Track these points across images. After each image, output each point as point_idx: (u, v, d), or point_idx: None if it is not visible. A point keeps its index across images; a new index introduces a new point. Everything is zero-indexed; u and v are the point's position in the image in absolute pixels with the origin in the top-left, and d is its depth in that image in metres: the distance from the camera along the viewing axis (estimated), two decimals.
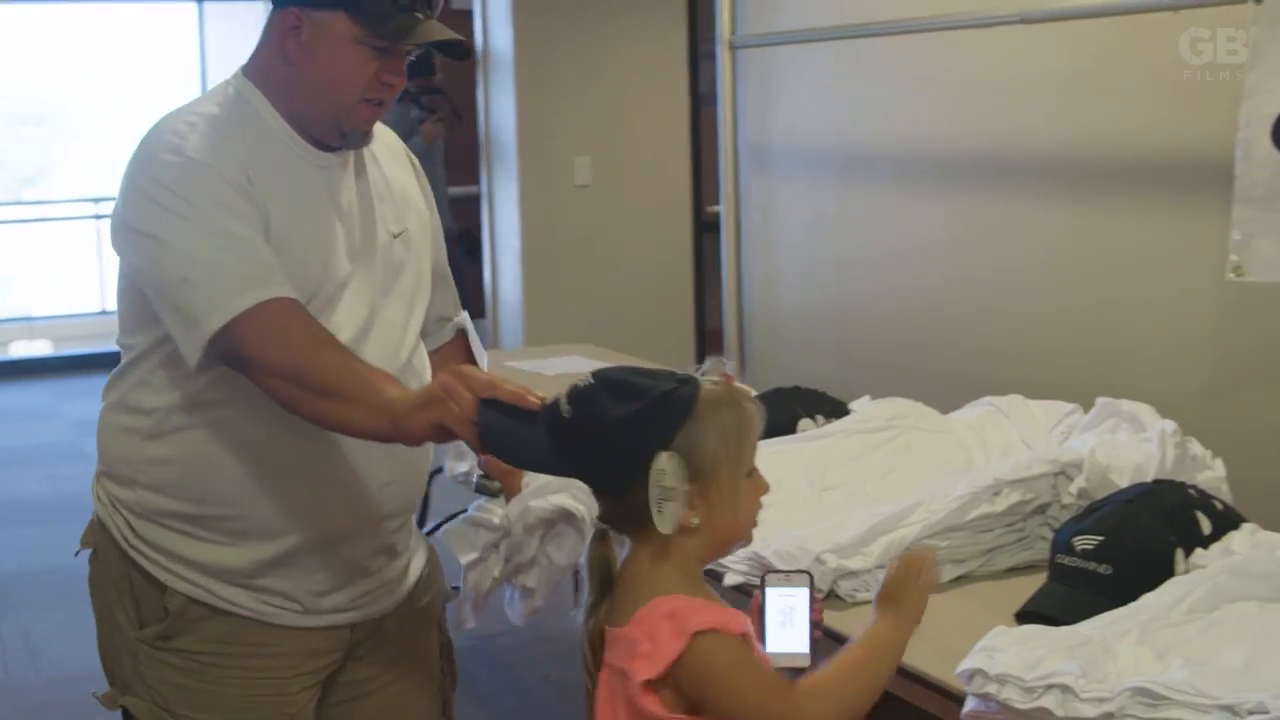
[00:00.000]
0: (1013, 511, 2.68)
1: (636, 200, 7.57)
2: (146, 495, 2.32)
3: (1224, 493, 2.69)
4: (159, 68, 11.10)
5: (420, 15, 2.25)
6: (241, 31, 10.25)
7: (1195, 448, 2.77)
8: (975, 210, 3.83)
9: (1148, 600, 2.32)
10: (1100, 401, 2.97)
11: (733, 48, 4.47)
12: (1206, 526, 2.47)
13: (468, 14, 7.62)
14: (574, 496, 2.51)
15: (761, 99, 4.60)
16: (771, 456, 2.40)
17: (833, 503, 2.91)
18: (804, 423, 3.41)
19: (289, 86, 2.28)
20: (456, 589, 2.64)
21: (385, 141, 2.47)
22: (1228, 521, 2.50)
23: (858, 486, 2.96)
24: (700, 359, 7.69)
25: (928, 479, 2.93)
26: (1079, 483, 2.68)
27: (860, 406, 3.42)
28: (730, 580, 2.59)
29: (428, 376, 2.45)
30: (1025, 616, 2.42)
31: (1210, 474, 2.73)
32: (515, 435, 1.96)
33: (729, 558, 2.53)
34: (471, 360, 2.57)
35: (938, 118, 3.94)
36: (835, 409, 3.48)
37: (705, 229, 7.68)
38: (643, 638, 1.81)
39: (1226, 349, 3.14)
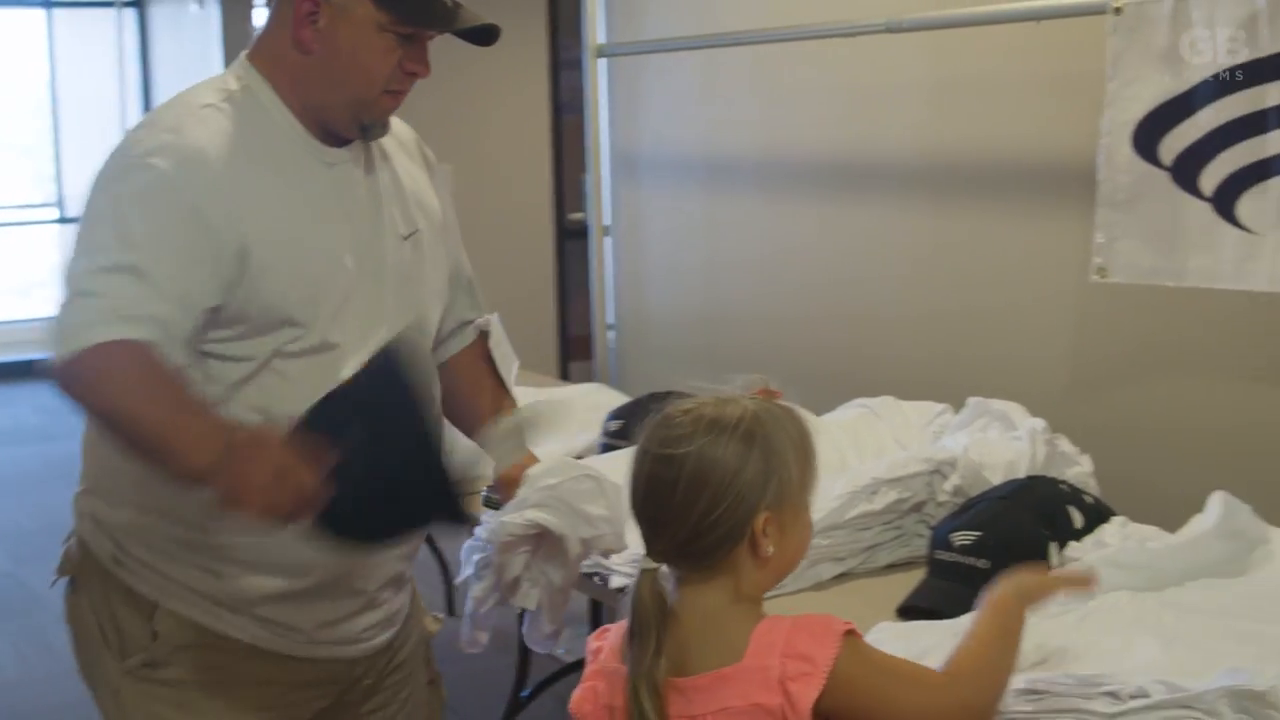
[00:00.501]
0: (891, 510, 2.73)
1: (498, 208, 7.56)
2: (141, 518, 2.14)
3: (1093, 487, 2.77)
4: (6, 75, 10.85)
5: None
6: (91, 38, 10.08)
7: (1064, 444, 2.85)
8: (842, 216, 3.89)
9: None
10: (971, 401, 3.04)
11: (599, 56, 4.50)
12: (1078, 520, 2.55)
13: None
14: (552, 511, 2.27)
15: (628, 107, 4.63)
16: None
17: None
18: None
19: (304, 77, 2.10)
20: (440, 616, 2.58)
21: (397, 134, 2.31)
22: (1098, 515, 2.57)
23: None
24: (564, 367, 7.71)
25: None
26: (954, 480, 2.74)
27: None
28: (616, 583, 2.60)
29: (436, 389, 2.30)
30: (907, 611, 2.47)
31: (1079, 469, 2.81)
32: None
33: (614, 558, 2.55)
34: (491, 366, 2.48)
35: (804, 125, 4.00)
36: None
37: (567, 236, 7.70)
38: (777, 663, 1.67)
39: (1091, 348, 3.23)
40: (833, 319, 3.95)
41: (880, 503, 2.72)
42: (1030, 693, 2.03)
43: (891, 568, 2.73)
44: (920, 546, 2.69)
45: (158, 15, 10.19)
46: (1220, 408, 2.97)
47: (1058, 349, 3.28)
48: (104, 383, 1.92)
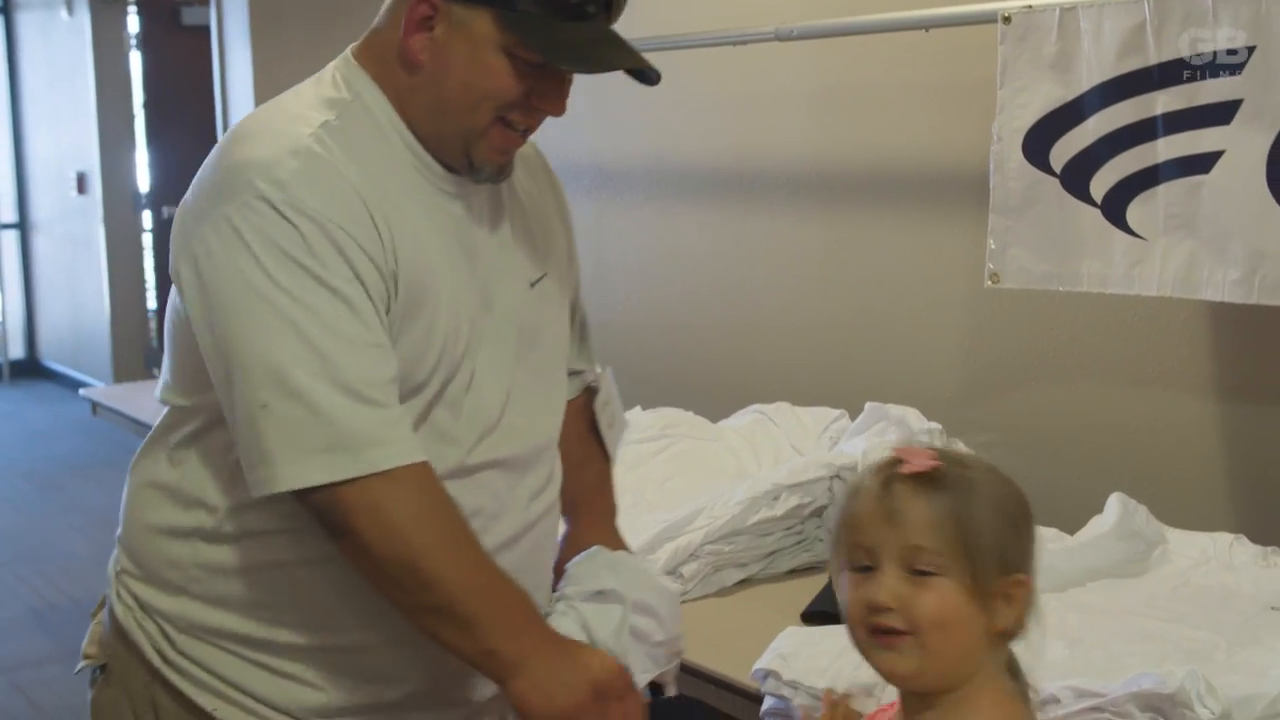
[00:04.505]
0: (792, 515, 2.74)
1: None
2: (198, 609, 1.78)
3: None
4: None
5: (592, 25, 1.71)
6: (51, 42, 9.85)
7: (960, 448, 2.88)
8: (733, 224, 3.90)
9: None
10: (869, 406, 3.06)
11: None
12: None
13: (204, 30, 7.46)
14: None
15: None
16: None
17: None
18: None
19: (411, 93, 1.74)
20: None
21: (523, 154, 1.88)
22: None
23: (638, 495, 2.99)
24: None
25: (704, 486, 2.98)
26: None
27: (632, 418, 3.46)
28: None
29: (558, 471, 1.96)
30: (811, 616, 2.48)
31: None
32: None
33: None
34: (594, 427, 2.09)
35: (694, 133, 4.01)
36: None
37: None
38: None
39: (985, 353, 3.26)
40: (725, 326, 3.95)
41: (781, 508, 2.73)
42: None
43: (794, 573, 2.74)
44: (822, 551, 2.71)
45: (25, 22, 9.98)
46: (1114, 410, 3.02)
47: (952, 354, 3.32)
48: (398, 522, 1.62)
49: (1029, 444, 3.11)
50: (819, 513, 2.78)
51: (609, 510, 2.12)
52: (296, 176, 1.63)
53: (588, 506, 2.07)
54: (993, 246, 2.94)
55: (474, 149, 1.74)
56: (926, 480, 1.47)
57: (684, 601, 2.11)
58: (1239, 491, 2.83)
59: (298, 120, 1.70)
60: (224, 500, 1.74)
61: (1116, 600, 2.29)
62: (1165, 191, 2.70)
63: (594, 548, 1.96)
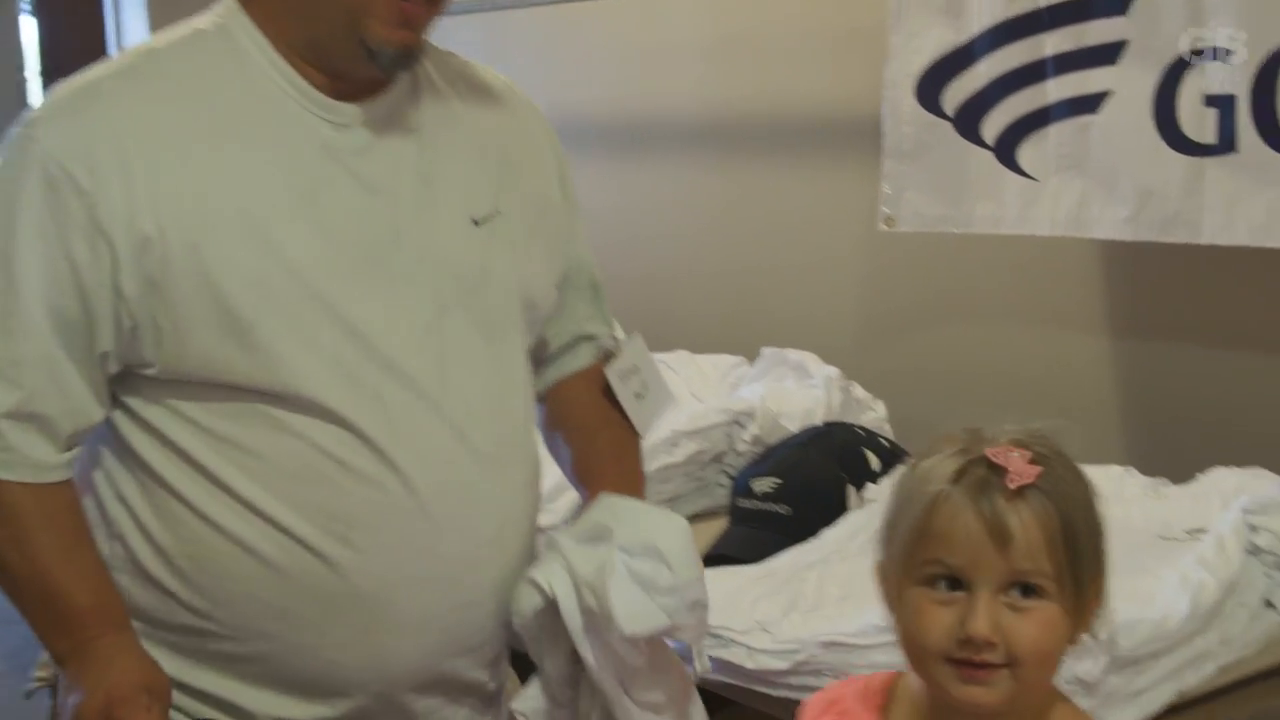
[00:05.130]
0: (692, 461, 2.75)
1: None
2: (137, 594, 1.66)
3: (888, 431, 2.83)
4: None
5: None
6: None
7: (859, 391, 2.90)
8: (629, 175, 3.89)
9: (827, 535, 2.43)
10: (766, 351, 3.07)
11: None
12: (875, 463, 2.60)
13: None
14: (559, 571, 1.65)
15: None
16: None
17: None
18: None
19: (281, 7, 1.60)
20: None
21: (485, 84, 1.79)
22: (894, 458, 2.62)
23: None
24: None
25: None
26: (752, 430, 2.77)
27: None
28: None
29: (531, 444, 1.79)
30: (711, 560, 2.49)
31: (874, 415, 2.86)
32: None
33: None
34: (612, 399, 1.86)
35: (589, 85, 3.99)
36: None
37: None
38: None
39: (882, 297, 3.28)
40: (622, 277, 3.91)
41: (681, 455, 2.73)
42: (835, 645, 2.06)
43: (695, 518, 2.74)
44: (722, 496, 2.72)
45: None
46: (1008, 350, 3.05)
47: (849, 299, 3.33)
48: None
49: (924, 385, 3.13)
50: (719, 458, 2.78)
51: (632, 475, 1.87)
52: (48, 114, 1.59)
53: (602, 473, 1.83)
54: (887, 191, 2.96)
55: (365, 31, 1.56)
56: (1029, 490, 1.29)
57: None
58: (1130, 426, 2.87)
59: (127, 56, 1.63)
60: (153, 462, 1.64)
61: None
62: (1055, 132, 2.73)
63: (601, 496, 1.73)
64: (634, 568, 1.60)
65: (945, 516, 1.29)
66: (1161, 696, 1.95)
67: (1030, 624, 1.28)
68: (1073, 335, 2.95)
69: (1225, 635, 2.04)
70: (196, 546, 1.61)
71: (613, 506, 1.70)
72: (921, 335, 3.21)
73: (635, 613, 1.59)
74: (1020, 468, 1.29)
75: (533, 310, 1.79)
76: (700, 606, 1.64)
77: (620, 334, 1.94)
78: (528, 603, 1.64)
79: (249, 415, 1.59)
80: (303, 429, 1.59)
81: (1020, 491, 1.29)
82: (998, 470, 1.30)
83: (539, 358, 1.87)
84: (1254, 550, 2.15)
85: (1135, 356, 2.88)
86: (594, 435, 1.88)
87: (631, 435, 1.89)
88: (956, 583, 1.30)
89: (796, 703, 1.91)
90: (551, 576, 1.62)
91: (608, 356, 1.89)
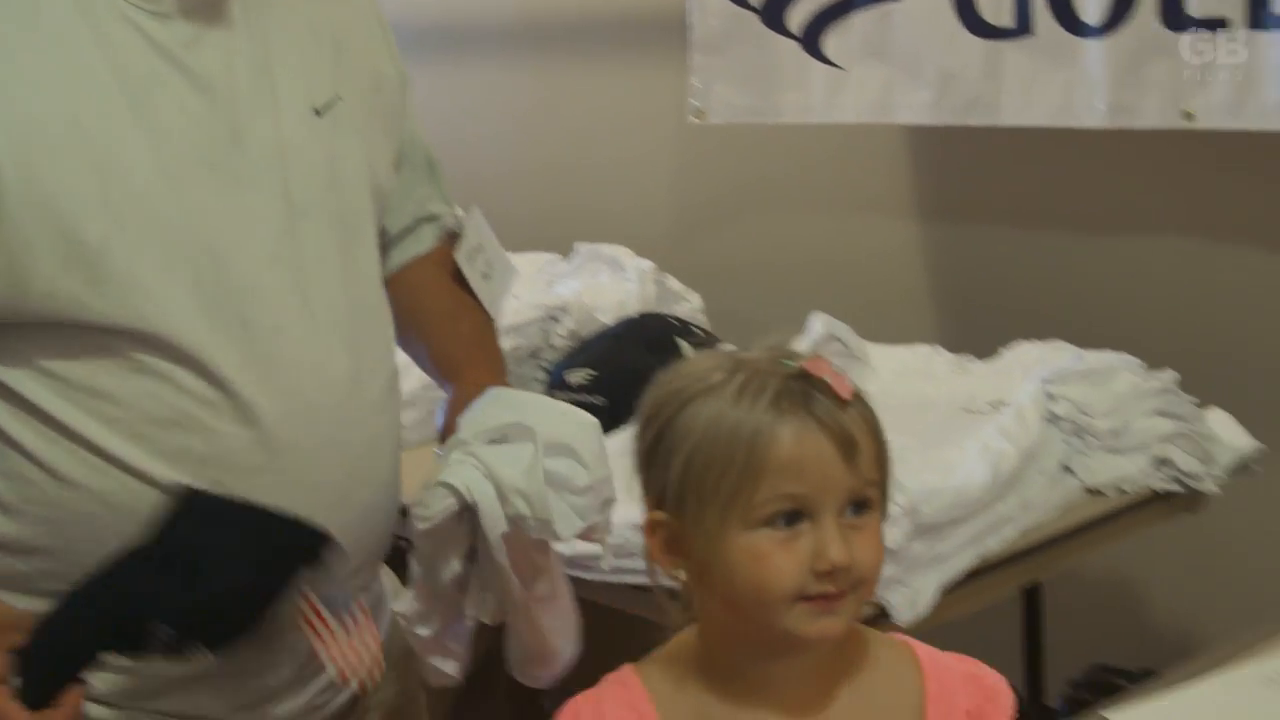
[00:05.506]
0: (508, 358, 2.72)
1: None
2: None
3: (703, 321, 2.84)
4: None
5: None
6: None
7: (673, 283, 2.91)
8: (442, 77, 3.84)
9: None
10: (580, 247, 3.07)
11: None
12: (689, 352, 2.61)
13: None
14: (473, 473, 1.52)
15: None
16: None
17: None
18: None
19: None
20: None
21: None
22: (708, 346, 2.64)
23: None
24: None
25: None
26: (568, 324, 2.77)
27: None
28: None
29: (393, 352, 1.68)
30: None
31: (689, 305, 2.88)
32: None
33: None
34: (459, 279, 1.78)
35: None
36: None
37: None
38: None
39: (694, 190, 3.30)
40: None
41: None
42: None
43: None
44: (539, 391, 2.71)
45: None
46: (820, 238, 3.09)
47: (662, 193, 3.34)
48: None
49: (737, 275, 3.16)
50: (535, 354, 2.78)
51: (497, 362, 1.80)
52: None
53: (470, 361, 1.74)
54: (696, 85, 2.96)
55: None
56: (852, 399, 1.22)
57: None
58: (938, 306, 2.94)
59: None
60: None
61: None
62: (859, 20, 2.75)
63: (490, 390, 1.61)
64: (549, 468, 1.51)
65: (788, 444, 1.18)
66: (963, 561, 2.00)
67: (868, 540, 1.21)
68: (882, 220, 3.00)
69: (1025, 500, 2.10)
70: (52, 510, 1.46)
71: (513, 402, 1.59)
72: (734, 227, 3.23)
73: (563, 516, 1.52)
74: (840, 378, 1.21)
75: (381, 199, 1.69)
76: (611, 506, 1.57)
77: (459, 211, 1.83)
78: (439, 508, 1.51)
79: (102, 358, 1.44)
80: (162, 370, 1.45)
81: (844, 402, 1.21)
82: (816, 384, 1.20)
83: (379, 245, 1.73)
84: (1052, 419, 2.21)
85: (942, 239, 2.94)
86: (454, 323, 1.79)
87: (488, 319, 1.82)
88: (794, 516, 1.19)
89: (617, 587, 1.94)
90: (470, 481, 1.50)
91: (451, 238, 1.79)
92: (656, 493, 1.26)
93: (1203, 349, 2.57)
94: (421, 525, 1.53)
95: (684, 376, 1.25)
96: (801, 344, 2.57)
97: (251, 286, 1.49)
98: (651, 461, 1.26)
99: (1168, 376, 2.31)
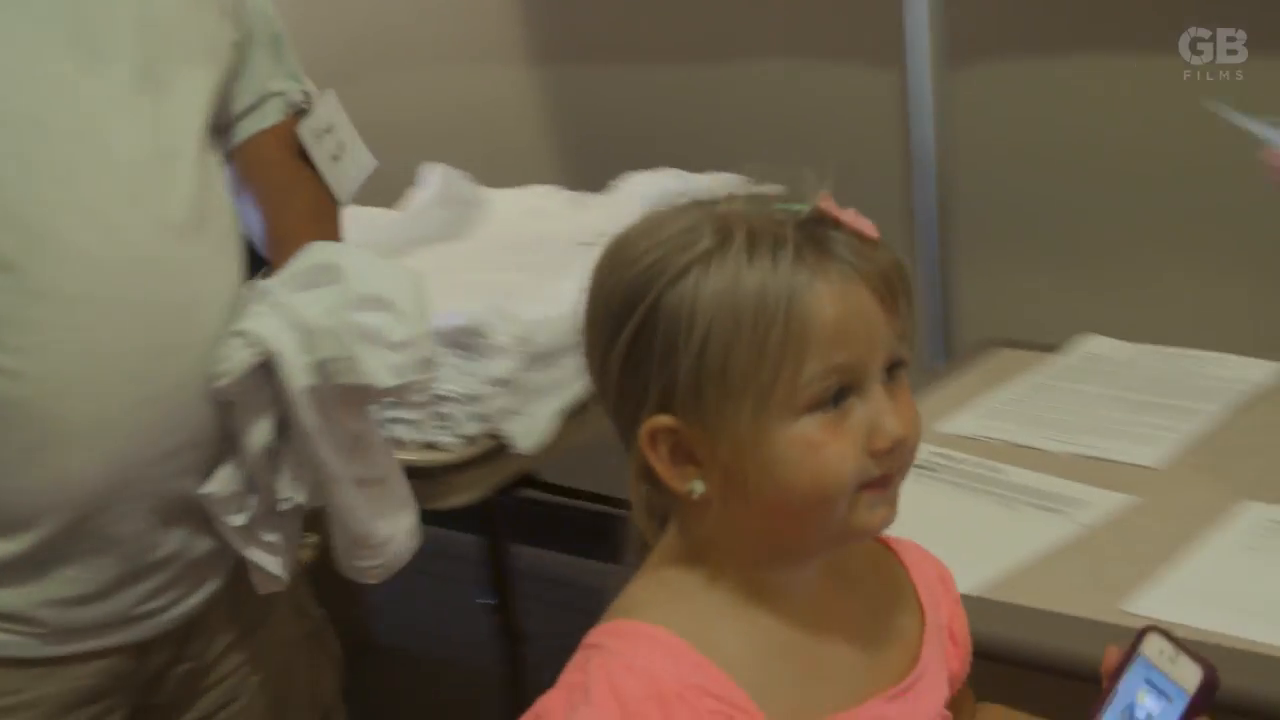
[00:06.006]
0: None
1: None
2: None
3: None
4: None
5: None
6: None
7: None
8: None
9: None
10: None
11: None
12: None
13: None
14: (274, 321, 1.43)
15: None
16: None
17: None
18: None
19: None
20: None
21: None
22: None
23: None
24: None
25: None
26: None
27: None
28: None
29: (228, 209, 1.54)
30: None
31: None
32: None
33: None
34: (305, 159, 1.67)
35: None
36: None
37: None
38: None
39: (308, 56, 3.21)
40: None
41: None
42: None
43: None
44: None
45: None
46: (437, 92, 3.09)
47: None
48: None
49: (368, 135, 3.14)
50: None
51: (333, 240, 1.65)
52: None
53: (298, 234, 1.59)
54: None
55: None
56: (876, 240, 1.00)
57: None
58: (556, 147, 2.98)
59: None
60: None
61: (440, 262, 2.36)
62: None
63: (310, 245, 1.50)
64: (362, 321, 1.40)
65: (832, 304, 0.95)
66: (580, 387, 2.04)
67: (910, 405, 1.00)
68: (496, 68, 3.01)
69: None
70: None
71: (326, 250, 1.49)
72: (350, 88, 3.20)
73: (377, 368, 1.41)
74: (856, 214, 0.99)
75: (217, 61, 1.55)
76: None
77: (312, 89, 1.72)
78: (237, 360, 1.40)
79: None
80: None
81: (873, 241, 0.99)
82: (834, 227, 0.98)
83: (222, 124, 1.61)
84: None
85: (557, 80, 2.97)
86: (289, 196, 1.67)
87: (330, 199, 1.71)
88: (842, 393, 0.96)
89: None
90: (267, 328, 1.40)
91: (299, 114, 1.68)
92: (654, 396, 0.98)
93: (808, 164, 2.66)
94: (219, 382, 1.41)
95: (658, 245, 0.99)
96: (418, 197, 2.58)
97: (38, 120, 1.35)
98: (636, 360, 0.99)
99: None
